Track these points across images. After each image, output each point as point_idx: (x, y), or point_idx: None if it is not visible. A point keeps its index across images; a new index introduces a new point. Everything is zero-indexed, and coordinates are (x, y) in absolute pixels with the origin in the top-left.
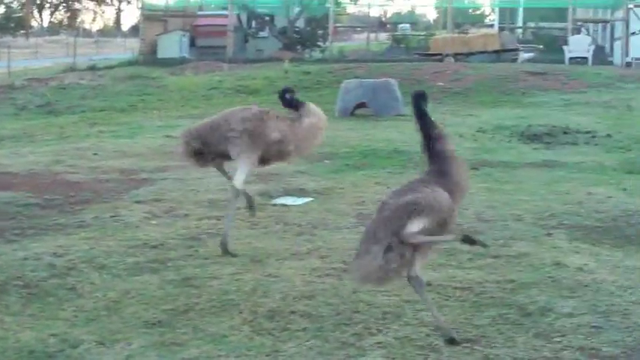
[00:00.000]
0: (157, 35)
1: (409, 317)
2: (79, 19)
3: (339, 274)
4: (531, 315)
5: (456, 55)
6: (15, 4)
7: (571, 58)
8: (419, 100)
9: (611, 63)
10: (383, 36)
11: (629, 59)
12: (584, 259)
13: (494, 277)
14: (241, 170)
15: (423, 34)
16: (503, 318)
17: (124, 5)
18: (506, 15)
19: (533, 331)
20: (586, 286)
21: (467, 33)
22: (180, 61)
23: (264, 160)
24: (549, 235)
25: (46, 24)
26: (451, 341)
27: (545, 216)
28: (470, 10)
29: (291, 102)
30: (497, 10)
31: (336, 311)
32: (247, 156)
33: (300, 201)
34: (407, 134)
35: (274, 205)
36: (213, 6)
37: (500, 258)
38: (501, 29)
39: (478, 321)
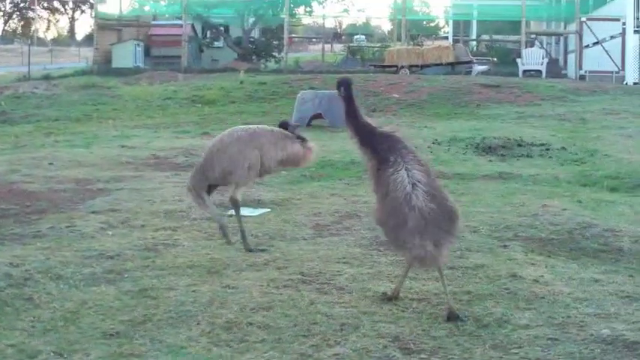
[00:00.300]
0: (111, 45)
1: (367, 329)
2: (32, 28)
3: (297, 285)
4: (488, 326)
5: (410, 67)
6: None
7: (525, 71)
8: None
9: (565, 76)
10: (338, 47)
11: (582, 72)
12: (539, 271)
13: (451, 289)
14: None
15: (377, 45)
16: (460, 329)
17: (77, 14)
18: (460, 27)
19: (490, 343)
20: (542, 298)
21: (421, 45)
22: (135, 71)
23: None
24: (505, 247)
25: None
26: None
27: (500, 228)
28: (424, 23)
29: None
30: (451, 22)
31: (293, 323)
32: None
33: (257, 212)
34: None
35: (231, 216)
36: (167, 16)
37: (457, 269)
38: (455, 41)
39: (435, 332)
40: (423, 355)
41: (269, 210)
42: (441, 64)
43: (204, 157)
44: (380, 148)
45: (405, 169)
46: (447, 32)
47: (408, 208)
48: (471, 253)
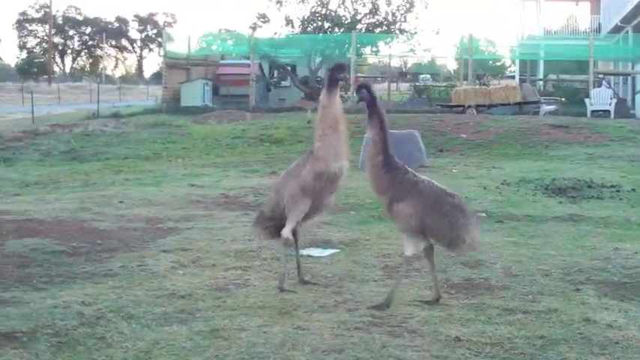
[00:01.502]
0: (180, 83)
1: None
2: (101, 66)
3: (368, 327)
4: None
5: (477, 106)
6: (37, 50)
7: (593, 111)
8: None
9: (633, 116)
10: (404, 86)
11: None
12: (613, 315)
13: (524, 333)
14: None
15: (444, 84)
16: None
17: (145, 52)
18: (527, 67)
19: None
20: (616, 343)
21: (488, 85)
22: (204, 110)
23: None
24: (578, 290)
25: (68, 70)
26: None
27: (572, 271)
28: (490, 62)
29: None
30: (517, 61)
31: None
32: None
33: (326, 252)
34: None
35: (300, 256)
36: (234, 55)
37: (530, 314)
38: (522, 81)
39: None
40: None
41: (338, 250)
42: (508, 104)
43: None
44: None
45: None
46: (514, 71)
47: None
48: (543, 297)
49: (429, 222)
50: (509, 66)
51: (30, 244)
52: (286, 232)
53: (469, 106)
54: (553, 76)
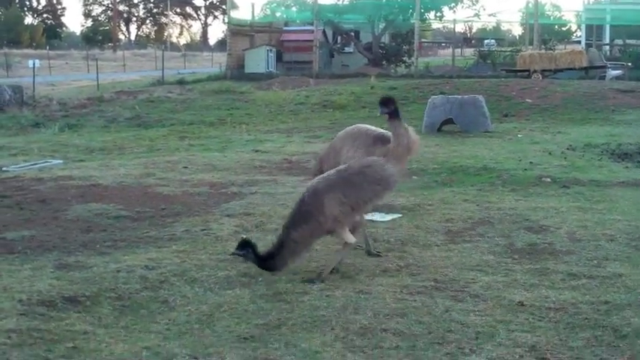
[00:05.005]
0: (244, 50)
1: (502, 338)
2: (165, 33)
3: (431, 291)
4: (627, 337)
5: (543, 71)
6: (102, 18)
7: None
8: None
9: None
10: (468, 51)
11: None
12: None
13: (588, 298)
14: None
15: (509, 50)
16: (597, 340)
17: (210, 20)
18: (593, 31)
19: (629, 354)
20: None
21: (554, 49)
22: (267, 76)
23: None
24: None
25: (133, 37)
26: None
27: (638, 236)
28: (555, 27)
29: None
30: (583, 26)
31: (428, 330)
32: None
33: (388, 217)
34: (495, 151)
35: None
36: (298, 22)
37: (594, 279)
38: (588, 46)
39: (572, 342)
40: None
41: (400, 215)
42: (573, 69)
43: None
44: None
45: None
46: (579, 36)
47: None
48: (608, 262)
49: (354, 198)
50: (575, 31)
51: (94, 210)
52: None
53: (534, 71)
54: (619, 41)
